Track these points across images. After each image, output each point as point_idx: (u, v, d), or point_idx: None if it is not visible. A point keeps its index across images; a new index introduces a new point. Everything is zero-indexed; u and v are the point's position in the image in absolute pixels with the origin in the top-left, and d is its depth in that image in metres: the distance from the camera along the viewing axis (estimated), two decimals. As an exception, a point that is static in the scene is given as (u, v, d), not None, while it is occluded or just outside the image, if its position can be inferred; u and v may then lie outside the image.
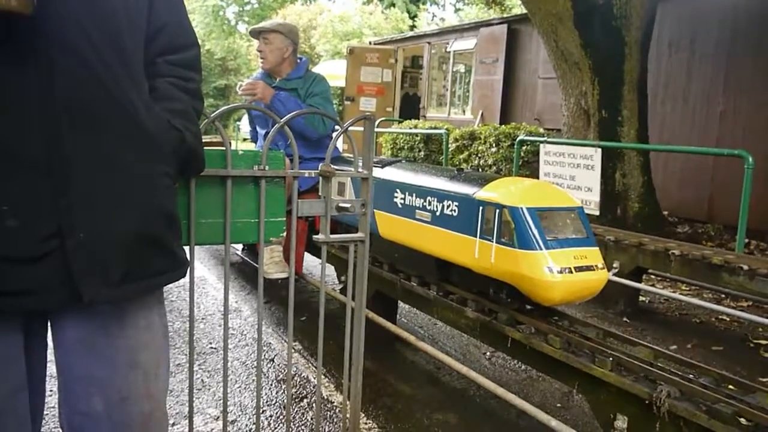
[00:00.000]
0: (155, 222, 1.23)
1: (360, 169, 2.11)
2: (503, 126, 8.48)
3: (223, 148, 1.79)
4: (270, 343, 3.72)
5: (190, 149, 1.33)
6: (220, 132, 1.85)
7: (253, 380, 3.16)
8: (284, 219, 1.93)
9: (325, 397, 3.00)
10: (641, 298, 4.95)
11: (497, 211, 2.42)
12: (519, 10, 12.33)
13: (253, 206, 1.87)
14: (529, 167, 7.11)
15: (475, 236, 2.52)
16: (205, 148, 1.43)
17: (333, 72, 15.09)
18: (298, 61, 4.19)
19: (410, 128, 10.10)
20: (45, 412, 1.37)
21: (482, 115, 11.03)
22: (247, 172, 1.83)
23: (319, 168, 1.98)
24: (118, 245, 1.15)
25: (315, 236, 2.05)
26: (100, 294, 1.13)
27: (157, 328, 1.36)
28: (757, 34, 7.01)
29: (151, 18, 1.29)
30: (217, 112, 1.85)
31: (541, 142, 6.13)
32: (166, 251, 1.26)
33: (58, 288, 1.09)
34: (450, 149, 8.57)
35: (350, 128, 2.06)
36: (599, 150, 5.49)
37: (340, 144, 8.83)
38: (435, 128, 9.39)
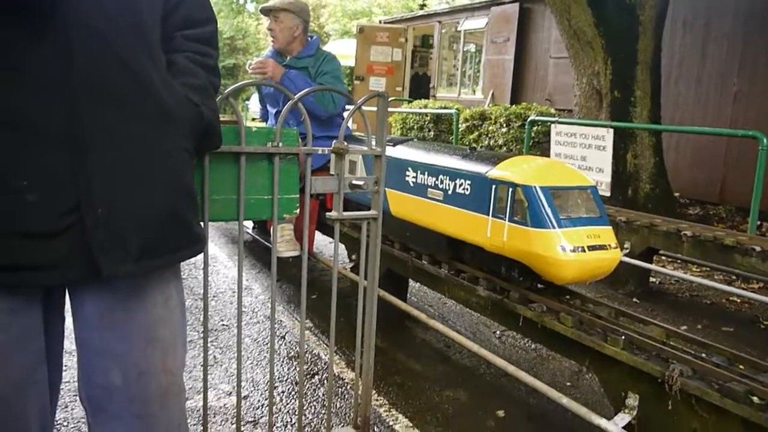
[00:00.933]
0: (174, 197, 1.23)
1: (373, 147, 2.10)
2: (514, 106, 8.42)
3: (247, 126, 1.79)
4: (281, 320, 3.75)
5: (207, 125, 1.33)
6: (234, 108, 1.85)
7: (265, 357, 3.19)
8: (297, 196, 1.93)
9: (337, 374, 3.03)
10: (651, 279, 4.94)
11: (510, 189, 2.41)
12: (531, -12, 12.17)
13: (266, 183, 1.88)
14: (540, 148, 7.07)
15: (488, 215, 2.51)
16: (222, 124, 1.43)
17: (342, 51, 14.98)
18: (309, 39, 4.16)
19: (420, 108, 10.05)
20: (62, 387, 1.38)
21: (493, 95, 10.95)
22: (261, 149, 1.83)
23: (333, 145, 1.98)
24: (137, 221, 1.15)
25: (328, 213, 2.05)
26: (119, 269, 1.13)
27: (175, 303, 1.37)
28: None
29: None
30: (231, 88, 1.84)
31: (553, 122, 6.09)
32: (184, 227, 1.26)
33: (78, 263, 1.09)
34: (460, 129, 8.53)
35: (361, 108, 2.05)
36: (611, 130, 5.45)
37: (350, 123, 8.81)
38: (445, 108, 9.34)
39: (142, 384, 1.28)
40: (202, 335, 3.40)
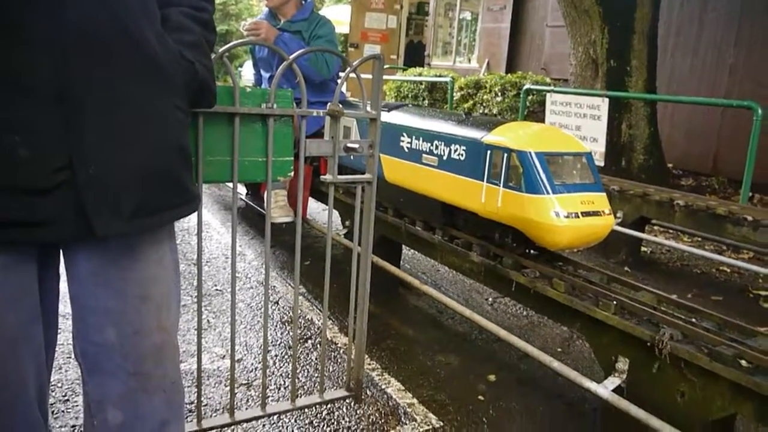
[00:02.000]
0: (167, 155, 1.21)
1: (369, 110, 2.09)
2: (509, 75, 8.37)
3: (242, 87, 1.77)
4: (274, 286, 3.76)
5: (202, 82, 1.31)
6: (227, 68, 1.82)
7: (258, 321, 3.20)
8: (291, 158, 1.92)
9: (330, 339, 3.05)
10: (643, 249, 4.97)
11: (505, 155, 2.40)
12: (528, -45, 12.00)
13: (260, 145, 1.86)
14: (535, 117, 7.03)
15: (482, 180, 2.51)
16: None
17: (337, 18, 14.75)
18: (303, 2, 4.10)
19: (415, 76, 9.97)
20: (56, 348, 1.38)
21: (488, 63, 10.88)
22: (255, 110, 1.81)
23: (327, 107, 1.96)
24: (130, 178, 1.14)
25: (322, 176, 2.04)
26: (112, 228, 1.12)
27: (168, 262, 1.37)
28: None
29: None
30: (224, 47, 1.82)
31: (548, 91, 6.06)
32: (178, 185, 1.25)
33: (71, 220, 1.08)
34: (455, 98, 8.48)
35: (355, 74, 2.03)
36: (606, 100, 5.43)
37: (345, 89, 8.73)
38: (440, 76, 9.27)
39: (137, 341, 1.28)
40: (196, 299, 3.42)
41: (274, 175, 1.90)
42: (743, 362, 1.80)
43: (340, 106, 1.96)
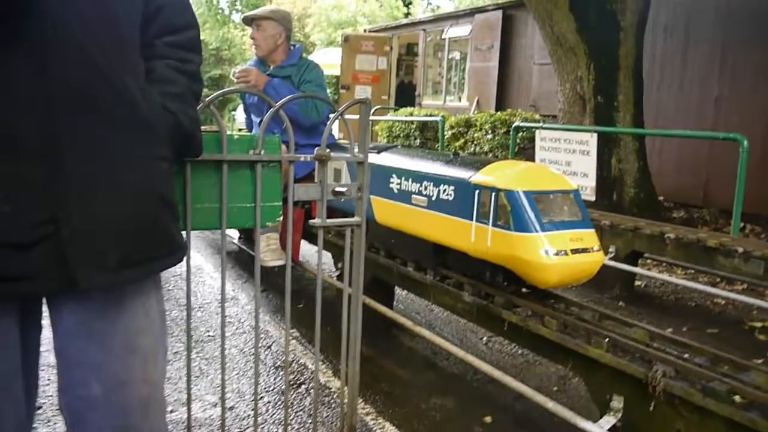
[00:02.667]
0: (152, 206, 1.22)
1: (356, 154, 2.11)
2: (499, 113, 8.48)
3: (229, 134, 1.79)
4: (267, 330, 3.73)
5: (186, 133, 1.32)
6: (215, 116, 1.84)
7: (251, 367, 3.17)
8: (280, 204, 1.93)
9: (323, 383, 3.01)
10: (637, 283, 4.97)
11: (493, 194, 2.42)
12: (514, -4, 12.27)
13: (248, 191, 1.87)
14: (525, 153, 7.10)
15: (472, 220, 2.52)
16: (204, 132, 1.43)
17: (328, 60, 15.02)
18: (292, 48, 4.17)
19: (406, 116, 10.08)
20: (45, 401, 1.37)
21: (478, 102, 11.01)
22: (243, 157, 1.83)
23: (315, 152, 1.98)
24: (114, 230, 1.14)
25: (311, 221, 2.05)
26: (95, 280, 1.13)
27: (155, 313, 1.36)
28: (752, 20, 6.99)
29: None
30: (212, 96, 1.84)
31: (537, 128, 6.13)
32: (163, 236, 1.25)
33: (54, 274, 1.08)
34: (446, 137, 8.56)
35: (346, 117, 2.06)
36: (595, 135, 5.49)
37: (336, 131, 8.81)
38: (431, 116, 9.37)
39: (122, 394, 1.27)
40: (186, 346, 3.38)
41: (262, 221, 1.91)
42: (737, 398, 1.79)
43: (328, 150, 1.97)
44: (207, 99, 1.80)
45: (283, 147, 2.04)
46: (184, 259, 1.39)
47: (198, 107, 1.75)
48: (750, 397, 1.77)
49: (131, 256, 1.18)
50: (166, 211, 1.26)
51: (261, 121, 4.15)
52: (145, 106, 1.20)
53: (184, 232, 1.72)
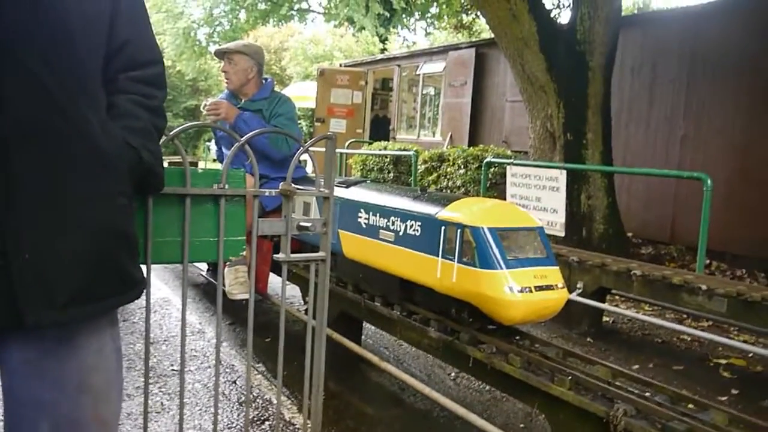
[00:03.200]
0: (107, 242, 1.20)
1: (321, 189, 2.11)
2: (471, 148, 8.58)
3: (193, 167, 1.78)
4: (233, 365, 3.67)
5: (146, 169, 1.31)
6: (178, 149, 1.84)
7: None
8: (244, 238, 1.92)
9: (287, 419, 2.97)
10: (605, 319, 5.01)
11: (459, 230, 2.43)
12: (487, 34, 12.53)
13: (211, 225, 1.86)
14: (497, 189, 7.17)
15: (438, 256, 2.53)
16: (169, 166, 1.42)
17: (304, 93, 15.14)
18: (264, 81, 4.20)
19: (380, 150, 10.14)
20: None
21: (451, 137, 11.13)
22: (206, 191, 1.82)
23: (280, 187, 1.98)
24: (65, 266, 1.12)
25: (275, 255, 2.04)
26: (44, 318, 1.10)
27: (109, 350, 1.33)
28: (716, 61, 7.21)
29: (113, 33, 1.27)
30: (175, 130, 1.83)
31: (508, 164, 6.20)
32: (118, 272, 1.23)
33: (2, 310, 1.06)
34: (419, 171, 8.63)
35: (317, 151, 2.07)
36: (564, 172, 5.57)
37: (310, 165, 8.82)
38: (404, 150, 9.44)
39: (74, 434, 1.24)
40: (152, 381, 3.32)
41: (225, 255, 1.89)
42: (696, 437, 1.80)
43: (292, 185, 1.98)
44: (171, 132, 1.80)
45: (250, 180, 2.04)
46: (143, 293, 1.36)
47: (162, 141, 1.75)
48: (708, 436, 1.79)
49: (84, 292, 1.16)
50: (123, 247, 1.25)
51: (232, 153, 4.15)
52: (106, 141, 1.19)
53: (144, 266, 1.70)
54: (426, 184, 8.49)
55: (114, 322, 1.37)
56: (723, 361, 4.20)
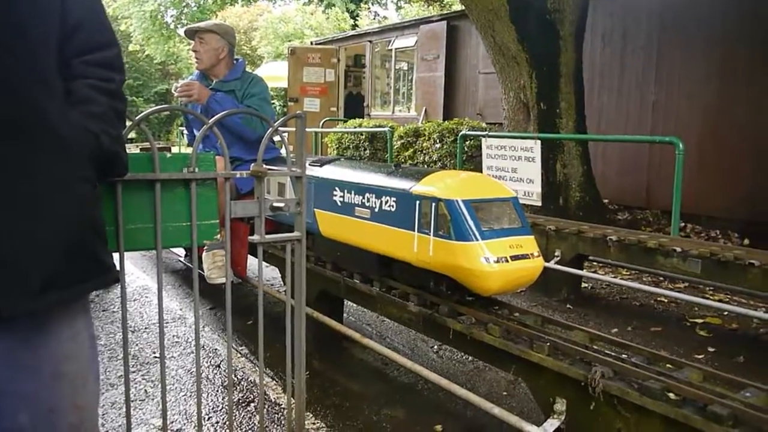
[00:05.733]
0: (75, 228, 1.19)
1: (293, 168, 2.10)
2: (446, 122, 8.57)
3: (163, 152, 1.76)
4: (216, 349, 3.67)
5: (108, 153, 1.30)
6: (146, 134, 1.82)
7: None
8: (217, 221, 1.91)
9: (273, 400, 2.98)
10: (583, 285, 5.07)
11: (433, 204, 2.44)
12: (458, 6, 12.46)
13: (183, 210, 1.85)
14: (473, 161, 7.20)
15: (414, 230, 2.53)
16: (140, 152, 1.40)
17: (276, 73, 14.97)
18: (235, 62, 4.14)
19: (355, 127, 10.10)
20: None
21: (426, 111, 11.11)
22: (176, 175, 1.80)
23: (251, 168, 1.96)
24: (36, 254, 1.11)
25: (250, 237, 2.04)
26: (19, 306, 1.09)
27: (83, 338, 1.32)
28: (685, 27, 7.26)
29: (65, 16, 1.25)
30: (141, 115, 1.81)
31: (483, 136, 6.21)
32: (88, 258, 1.22)
33: None
34: (395, 147, 8.61)
35: (278, 134, 2.05)
36: (539, 142, 5.60)
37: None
38: (379, 126, 9.41)
39: (52, 422, 1.23)
40: (133, 369, 3.31)
41: (199, 239, 1.88)
42: (671, 395, 1.84)
43: (264, 166, 1.96)
44: (137, 117, 1.78)
45: (221, 162, 2.02)
46: (117, 279, 1.35)
47: (129, 127, 1.73)
48: (683, 393, 1.83)
49: (55, 280, 1.15)
50: (91, 233, 1.24)
51: (206, 136, 4.11)
52: (64, 127, 1.17)
53: (117, 254, 1.68)
54: (402, 160, 8.48)
55: (86, 309, 1.36)
56: (699, 321, 4.29)
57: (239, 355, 3.58)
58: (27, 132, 1.10)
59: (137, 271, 5.38)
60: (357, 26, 23.28)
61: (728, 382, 1.95)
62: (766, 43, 6.45)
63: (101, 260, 1.26)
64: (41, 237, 1.12)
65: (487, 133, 6.47)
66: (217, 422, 2.79)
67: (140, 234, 1.79)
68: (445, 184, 2.52)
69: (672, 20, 7.41)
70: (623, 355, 2.14)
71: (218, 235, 1.96)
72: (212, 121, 1.91)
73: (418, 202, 2.52)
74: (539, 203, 5.70)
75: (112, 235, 1.68)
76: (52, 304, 1.17)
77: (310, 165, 3.27)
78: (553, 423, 2.15)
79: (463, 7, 7.36)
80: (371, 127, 9.68)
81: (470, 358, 3.56)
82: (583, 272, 4.65)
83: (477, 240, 2.32)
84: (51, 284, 1.14)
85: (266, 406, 2.88)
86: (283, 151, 6.61)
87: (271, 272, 4.97)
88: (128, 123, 1.68)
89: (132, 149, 13.46)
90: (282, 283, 4.00)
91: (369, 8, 28.02)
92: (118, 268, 1.34)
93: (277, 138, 3.71)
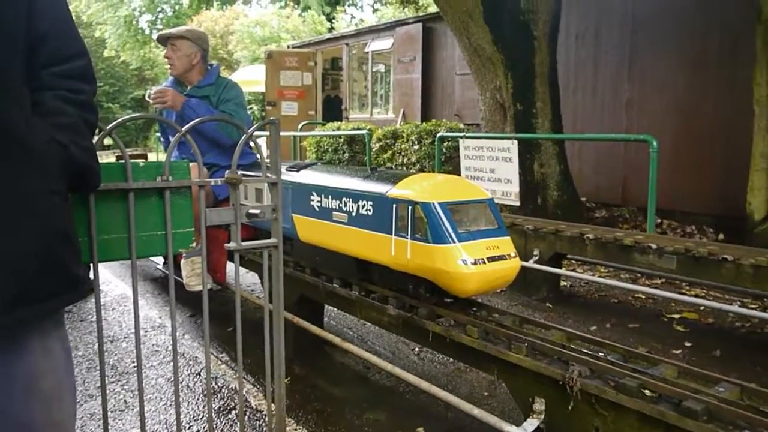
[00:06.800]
0: (45, 242, 1.18)
1: (268, 175, 2.10)
2: (424, 123, 8.59)
3: (135, 161, 1.75)
4: (196, 357, 3.65)
5: (78, 164, 1.28)
6: (117, 143, 1.80)
7: (180, 397, 3.09)
8: (192, 230, 1.90)
9: (254, 407, 2.97)
10: (563, 283, 5.11)
11: (410, 207, 2.45)
12: (434, 8, 12.49)
13: (158, 219, 1.83)
14: (452, 162, 7.22)
15: (391, 234, 2.54)
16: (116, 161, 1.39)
17: (253, 77, 14.90)
18: (209, 67, 4.12)
19: (333, 131, 10.09)
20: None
21: (403, 113, 11.13)
22: (150, 184, 1.79)
23: (225, 176, 1.96)
24: (5, 268, 1.10)
25: (226, 245, 2.03)
26: None
27: (58, 352, 1.31)
28: (656, 26, 7.35)
29: (31, 27, 1.24)
30: (113, 124, 1.79)
31: (460, 137, 6.24)
32: (59, 271, 1.21)
33: None
34: (374, 149, 8.62)
35: (252, 140, 2.04)
36: (516, 142, 5.64)
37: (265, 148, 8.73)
38: (358, 129, 9.41)
39: (27, 438, 1.22)
40: (112, 379, 3.27)
41: (175, 248, 1.87)
42: (647, 392, 1.86)
43: (238, 173, 1.96)
44: (109, 126, 1.76)
45: (196, 171, 2.01)
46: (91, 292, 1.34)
47: (100, 135, 1.71)
48: (659, 390, 1.85)
49: (26, 294, 1.14)
50: (62, 245, 1.22)
51: (181, 143, 4.08)
52: (32, 139, 1.16)
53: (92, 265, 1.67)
54: (381, 162, 8.49)
55: (60, 323, 1.35)
56: (676, 316, 4.34)
57: (219, 362, 3.56)
58: None
59: (115, 279, 5.32)
60: (333, 29, 23.26)
61: (702, 377, 1.98)
62: (736, 39, 6.55)
63: (74, 273, 1.25)
64: (10, 251, 1.11)
65: (464, 134, 6.50)
66: (198, 431, 2.77)
67: (114, 244, 1.78)
68: (421, 187, 2.53)
69: (643, 19, 7.50)
70: (600, 354, 2.16)
71: (194, 243, 1.95)
72: (185, 129, 1.90)
73: (394, 205, 2.52)
74: (517, 203, 5.74)
75: (86, 246, 1.67)
76: (23, 319, 1.15)
77: (286, 170, 3.26)
78: (532, 423, 2.16)
79: (438, 9, 7.39)
80: (349, 130, 9.68)
81: (451, 359, 3.58)
82: (562, 271, 4.68)
83: (454, 242, 2.33)
84: (22, 299, 1.13)
85: (247, 413, 2.87)
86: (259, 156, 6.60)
87: (251, 278, 4.95)
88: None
89: (109, 156, 13.32)
90: (262, 288, 3.98)
91: (345, 11, 28.03)
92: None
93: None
